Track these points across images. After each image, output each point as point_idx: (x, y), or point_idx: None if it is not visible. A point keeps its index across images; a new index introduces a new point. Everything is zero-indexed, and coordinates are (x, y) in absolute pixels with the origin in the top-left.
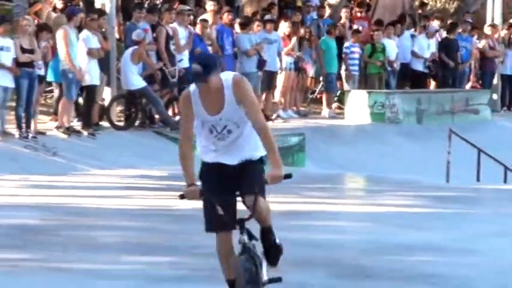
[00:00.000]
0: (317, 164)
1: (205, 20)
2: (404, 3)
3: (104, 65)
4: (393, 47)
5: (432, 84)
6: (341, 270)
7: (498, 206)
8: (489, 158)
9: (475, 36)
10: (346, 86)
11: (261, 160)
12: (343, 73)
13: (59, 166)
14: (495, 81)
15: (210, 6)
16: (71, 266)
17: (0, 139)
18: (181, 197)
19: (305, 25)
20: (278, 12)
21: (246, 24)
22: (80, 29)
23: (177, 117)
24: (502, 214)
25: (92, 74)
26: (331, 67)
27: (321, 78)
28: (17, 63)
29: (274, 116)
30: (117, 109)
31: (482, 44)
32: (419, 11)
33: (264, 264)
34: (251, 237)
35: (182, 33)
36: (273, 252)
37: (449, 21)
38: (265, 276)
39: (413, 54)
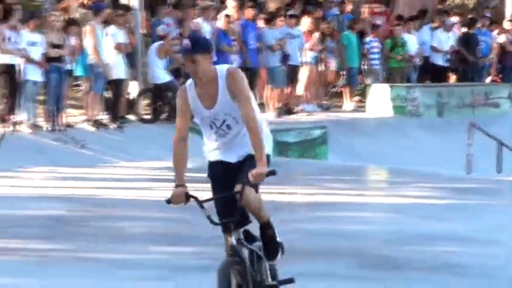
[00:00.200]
0: (339, 157)
1: (228, 16)
2: None
3: (131, 59)
4: (413, 42)
5: (452, 78)
6: (365, 260)
7: None
8: (509, 151)
9: (495, 31)
10: (367, 80)
11: None
12: (364, 68)
13: (87, 158)
14: None
15: (232, 1)
16: (98, 256)
17: (30, 132)
18: (168, 202)
19: (326, 20)
20: (301, 8)
21: (270, 20)
22: (106, 24)
23: None
24: None
25: (118, 69)
26: (352, 61)
27: (342, 72)
28: (46, 58)
29: (298, 109)
30: (143, 103)
31: (502, 39)
32: (439, 6)
33: (267, 266)
34: (249, 239)
35: (206, 29)
36: (271, 247)
37: (468, 17)
38: (269, 279)
39: (433, 48)
